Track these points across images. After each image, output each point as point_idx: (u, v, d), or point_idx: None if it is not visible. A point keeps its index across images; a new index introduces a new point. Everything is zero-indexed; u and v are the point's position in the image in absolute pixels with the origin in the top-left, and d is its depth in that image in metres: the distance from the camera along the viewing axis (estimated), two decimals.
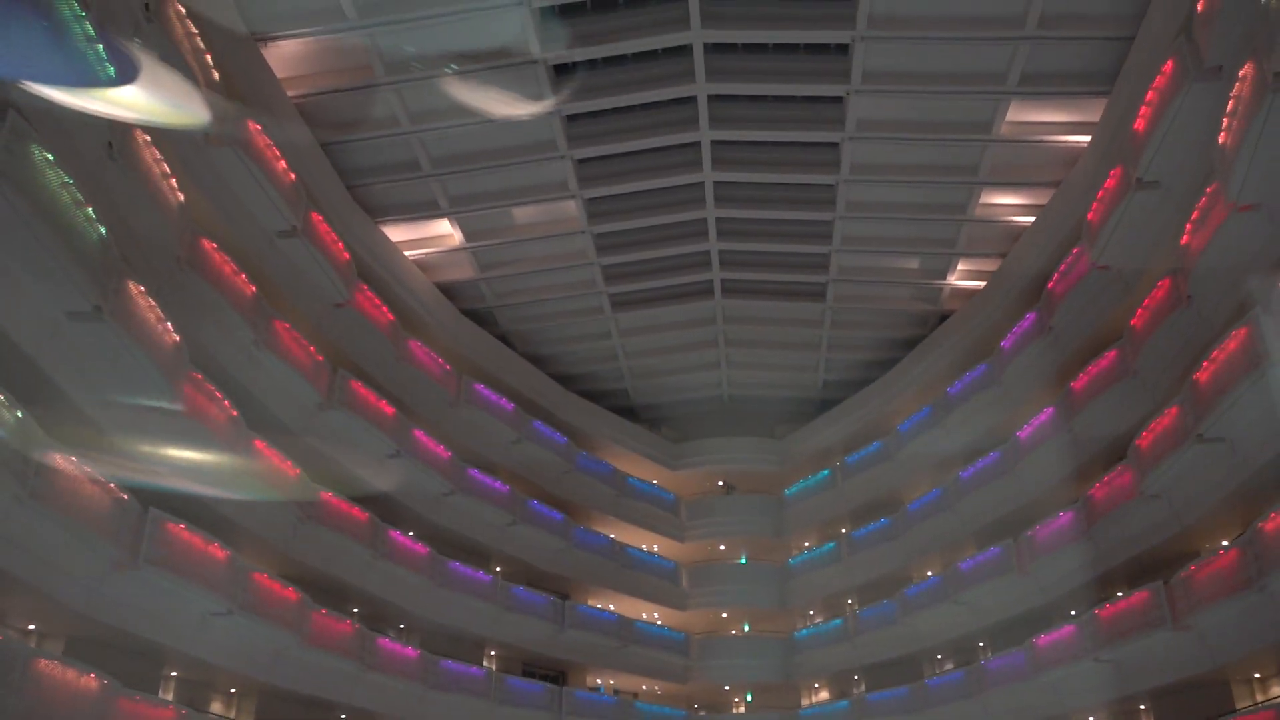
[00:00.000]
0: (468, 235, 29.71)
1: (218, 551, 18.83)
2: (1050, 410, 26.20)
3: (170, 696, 19.57)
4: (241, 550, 20.80)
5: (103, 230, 14.81)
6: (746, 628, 39.83)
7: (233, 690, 22.90)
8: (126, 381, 16.37)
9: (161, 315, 16.93)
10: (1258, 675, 20.60)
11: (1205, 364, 18.55)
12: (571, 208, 29.03)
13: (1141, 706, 24.09)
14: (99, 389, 16.21)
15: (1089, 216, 23.06)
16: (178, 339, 17.56)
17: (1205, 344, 19.19)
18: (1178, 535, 21.60)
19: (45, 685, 13.71)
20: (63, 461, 14.51)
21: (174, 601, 18.22)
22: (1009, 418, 28.88)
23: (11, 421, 13.21)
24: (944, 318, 33.40)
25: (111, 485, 15.72)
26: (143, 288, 16.32)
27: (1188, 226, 19.16)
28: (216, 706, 22.43)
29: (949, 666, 31.57)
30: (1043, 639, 25.20)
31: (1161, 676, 21.86)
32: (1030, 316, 27.34)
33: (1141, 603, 21.39)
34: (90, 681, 14.87)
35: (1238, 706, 20.73)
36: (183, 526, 17.69)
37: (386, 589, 26.68)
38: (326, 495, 24.08)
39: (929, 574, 31.95)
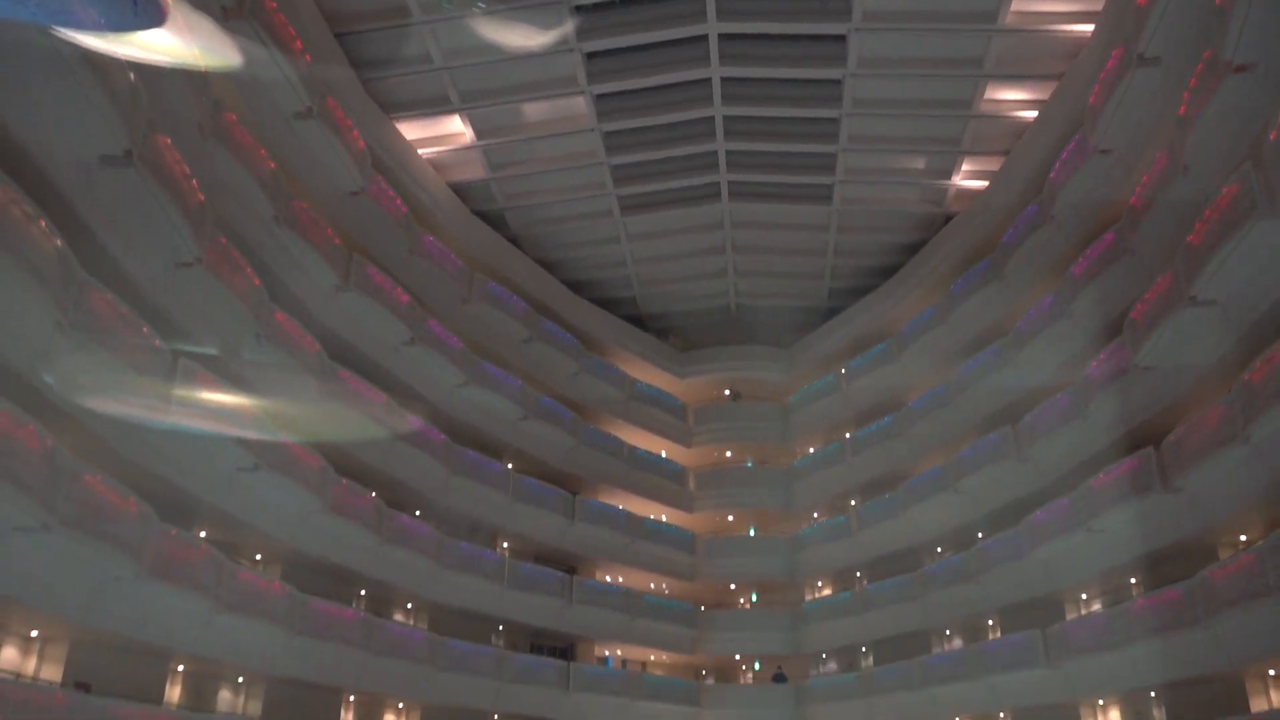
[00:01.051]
0: (478, 133, 30.14)
1: (246, 406, 19.61)
2: (1050, 297, 26.76)
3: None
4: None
5: (131, 76, 15.36)
6: (752, 531, 40.83)
7: (258, 556, 23.87)
8: (153, 231, 17.00)
9: (189, 172, 17.54)
10: (1244, 537, 21.35)
11: (1198, 225, 19.04)
12: (581, 104, 29.39)
13: (1133, 580, 24.93)
14: (128, 236, 16.84)
15: (1090, 100, 23.45)
16: (203, 198, 18.19)
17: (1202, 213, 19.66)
18: (1171, 407, 22.21)
19: (90, 500, 14.53)
20: (99, 298, 15.19)
21: (204, 451, 19.02)
22: (1011, 310, 29.49)
23: (51, 250, 13.88)
24: (949, 219, 33.85)
25: (145, 329, 16.42)
26: (169, 140, 16.89)
27: (1185, 96, 19.56)
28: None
29: (948, 556, 32.40)
30: (1037, 515, 25.97)
31: (1151, 542, 22.66)
32: (1032, 207, 27.79)
33: (1132, 469, 22.13)
34: (130, 506, 15.72)
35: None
36: (210, 377, 18.42)
37: (403, 472, 27.52)
38: (344, 374, 24.76)
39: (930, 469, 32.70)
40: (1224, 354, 20.10)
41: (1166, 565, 22.75)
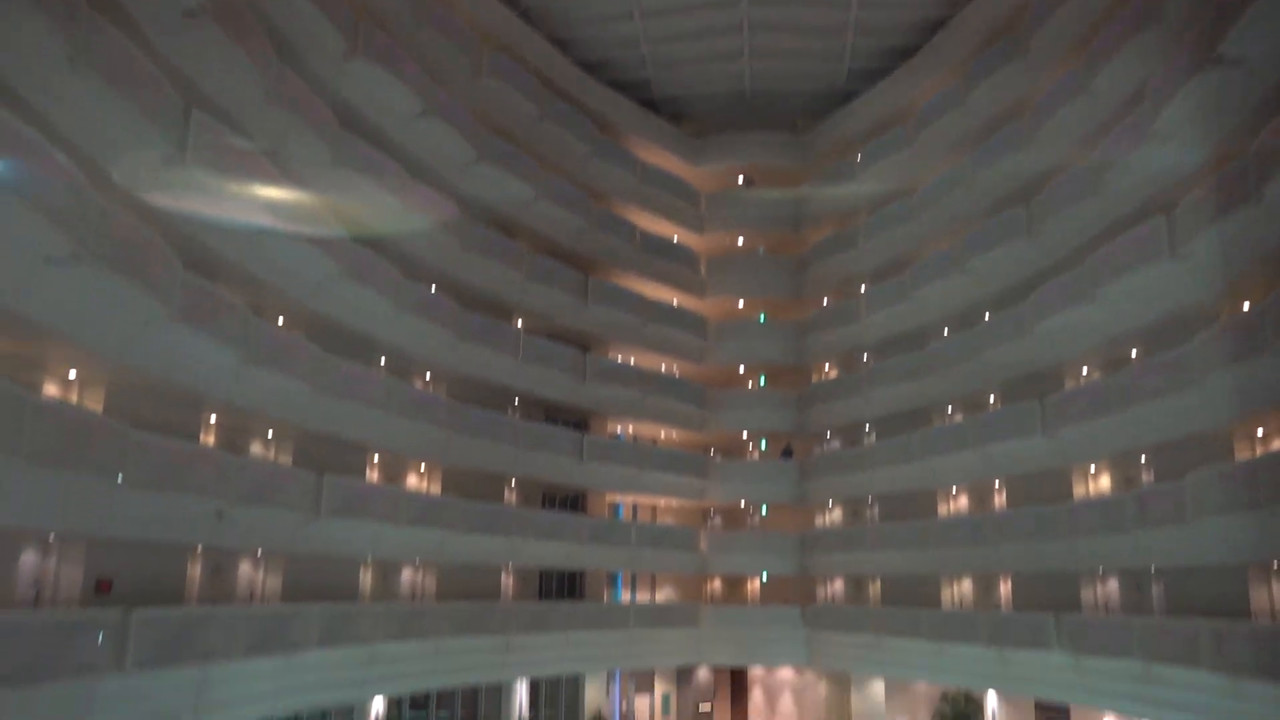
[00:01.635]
0: None
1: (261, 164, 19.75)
2: (1070, 71, 26.15)
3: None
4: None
5: None
6: (762, 318, 41.53)
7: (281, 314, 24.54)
8: None
9: None
10: (1246, 304, 21.70)
11: None
12: None
13: (1133, 352, 25.49)
14: None
15: None
16: None
17: None
18: (1188, 176, 22.07)
19: (118, 237, 14.90)
20: (110, 37, 15.09)
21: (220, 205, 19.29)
22: (1031, 90, 28.89)
23: None
24: None
25: (156, 74, 16.36)
26: None
27: None
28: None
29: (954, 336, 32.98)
30: (1044, 288, 26.31)
31: (1154, 310, 23.08)
32: None
33: (1141, 236, 22.27)
34: (156, 250, 16.16)
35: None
36: (223, 129, 18.48)
37: (416, 245, 27.88)
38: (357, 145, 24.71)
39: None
40: (1245, 118, 19.83)
41: (1168, 333, 23.18)
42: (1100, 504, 25.12)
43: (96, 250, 14.31)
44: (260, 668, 20.46)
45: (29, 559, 17.14)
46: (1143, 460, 25.35)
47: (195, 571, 21.53)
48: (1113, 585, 26.65)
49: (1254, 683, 18.46)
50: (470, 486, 30.21)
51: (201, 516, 19.17)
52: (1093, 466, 27.24)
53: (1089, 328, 25.37)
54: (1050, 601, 27.33)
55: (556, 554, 32.81)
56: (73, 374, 17.52)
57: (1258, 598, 21.18)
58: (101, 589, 18.26)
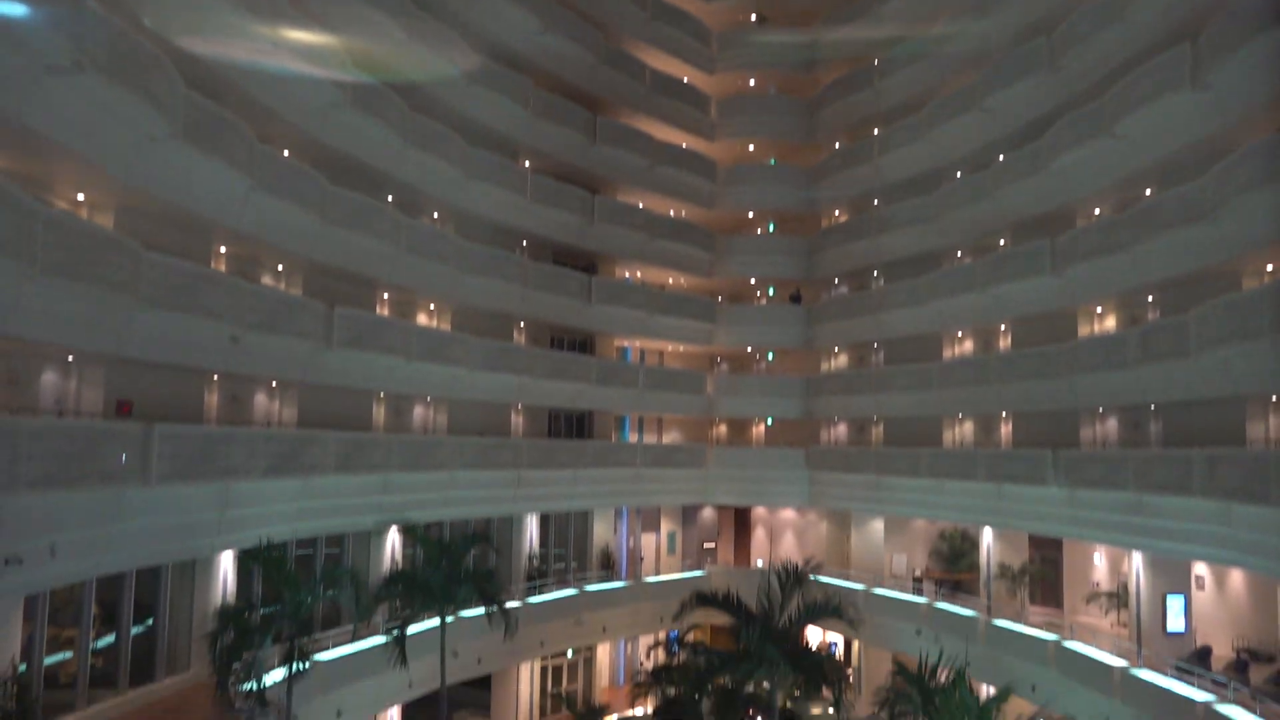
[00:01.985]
0: None
1: None
2: None
3: None
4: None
5: None
6: (773, 161, 40.95)
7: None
8: None
9: None
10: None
11: None
12: None
13: (1147, 190, 25.19)
14: None
15: None
16: None
17: None
18: (1214, 3, 21.33)
19: (118, 47, 14.63)
20: None
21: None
22: None
23: None
24: None
25: None
26: None
27: None
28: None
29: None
30: (1060, 124, 25.82)
31: (1172, 145, 22.70)
32: None
33: (1162, 66, 21.71)
34: (159, 64, 15.88)
35: None
36: None
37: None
38: None
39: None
40: None
41: (1184, 169, 22.85)
42: (1104, 341, 25.31)
43: (97, 61, 14.07)
44: (280, 488, 21.14)
45: (50, 379, 17.54)
46: (1149, 300, 25.41)
47: (213, 400, 22.01)
48: (1111, 424, 27.11)
49: (1244, 505, 18.98)
50: (479, 327, 30.46)
51: (216, 341, 19.45)
52: (1099, 308, 27.33)
53: (1105, 164, 25.01)
54: (1049, 441, 27.87)
55: (565, 394, 33.35)
56: (80, 196, 17.50)
57: (1253, 429, 21.57)
58: (122, 411, 18.72)
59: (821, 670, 11.72)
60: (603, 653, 35.65)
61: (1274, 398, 21.09)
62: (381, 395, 27.70)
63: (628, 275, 38.62)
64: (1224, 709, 19.40)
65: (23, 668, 16.25)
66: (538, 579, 32.17)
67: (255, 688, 15.96)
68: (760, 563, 39.52)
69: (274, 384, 23.82)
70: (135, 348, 17.35)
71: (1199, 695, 20.35)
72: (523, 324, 33.26)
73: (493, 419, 31.95)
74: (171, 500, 17.83)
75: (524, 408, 33.34)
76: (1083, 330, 27.74)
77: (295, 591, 15.12)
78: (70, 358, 17.71)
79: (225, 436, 19.31)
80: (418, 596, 15.06)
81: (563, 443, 33.44)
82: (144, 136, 16.43)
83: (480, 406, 31.08)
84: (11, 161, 15.35)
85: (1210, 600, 25.46)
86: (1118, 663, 23.28)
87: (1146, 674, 22.35)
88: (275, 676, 17.88)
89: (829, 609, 12.50)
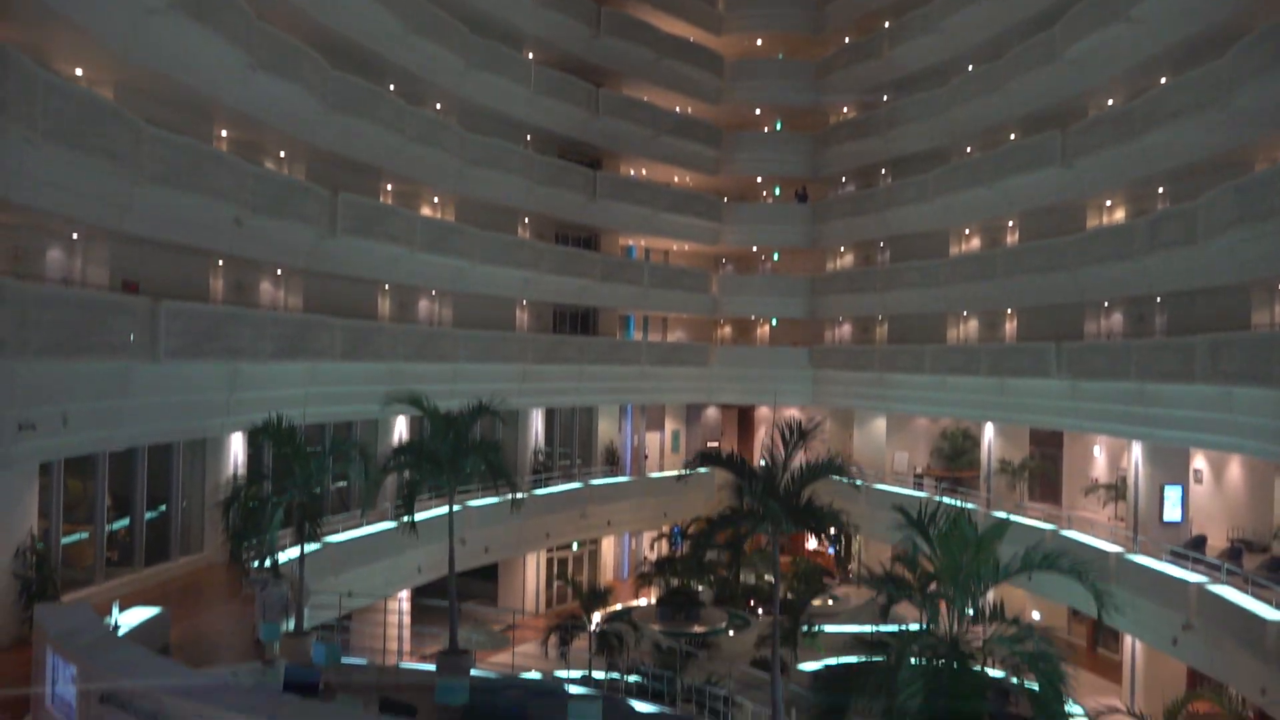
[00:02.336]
0: None
1: None
2: None
3: None
4: None
5: None
6: (780, 55, 40.22)
7: None
8: None
9: None
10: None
11: None
12: None
13: (1162, 79, 24.71)
14: None
15: None
16: None
17: None
18: None
19: None
20: None
21: None
22: None
23: None
24: None
25: None
26: None
27: None
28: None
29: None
30: (1076, 9, 25.24)
31: (1187, 29, 22.23)
32: None
33: None
34: None
35: None
36: None
37: None
38: None
39: None
40: None
41: (1197, 55, 22.38)
42: (1112, 231, 25.17)
43: None
44: (287, 372, 21.32)
45: (55, 256, 17.56)
46: (1159, 192, 25.17)
47: (218, 285, 22.06)
48: (1115, 319, 27.12)
49: (1245, 389, 19.07)
50: (483, 221, 30.26)
51: (220, 222, 19.37)
52: (1108, 201, 27.10)
53: (1118, 51, 24.52)
54: (1053, 336, 27.90)
55: (570, 290, 33.34)
56: (79, 71, 17.27)
57: (1257, 317, 21.58)
58: (129, 290, 18.76)
59: (823, 523, 11.87)
60: (607, 547, 36.33)
61: (1279, 284, 21.05)
62: (386, 288, 27.72)
63: (632, 173, 38.21)
64: (1217, 589, 19.79)
65: (40, 546, 16.63)
66: (543, 473, 32.61)
67: (268, 563, 16.32)
68: (763, 461, 39.93)
69: (279, 272, 23.83)
70: (137, 224, 17.27)
71: (1192, 577, 20.74)
72: (527, 220, 33.08)
73: (498, 315, 32.00)
74: (180, 378, 18.00)
75: (529, 305, 33.38)
76: (1091, 222, 27.54)
77: (305, 464, 15.36)
78: (75, 235, 17.70)
79: (232, 316, 19.40)
80: (425, 467, 15.28)
81: (568, 338, 33.57)
82: (142, 10, 16.15)
83: (485, 302, 31.09)
84: (10, 32, 15.12)
85: (1207, 494, 25.76)
86: (1113, 549, 23.67)
87: (1142, 559, 22.75)
88: (287, 556, 18.28)
89: (832, 466, 12.65)
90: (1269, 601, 18.26)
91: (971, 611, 8.70)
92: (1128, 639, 25.23)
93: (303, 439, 15.84)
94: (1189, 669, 21.96)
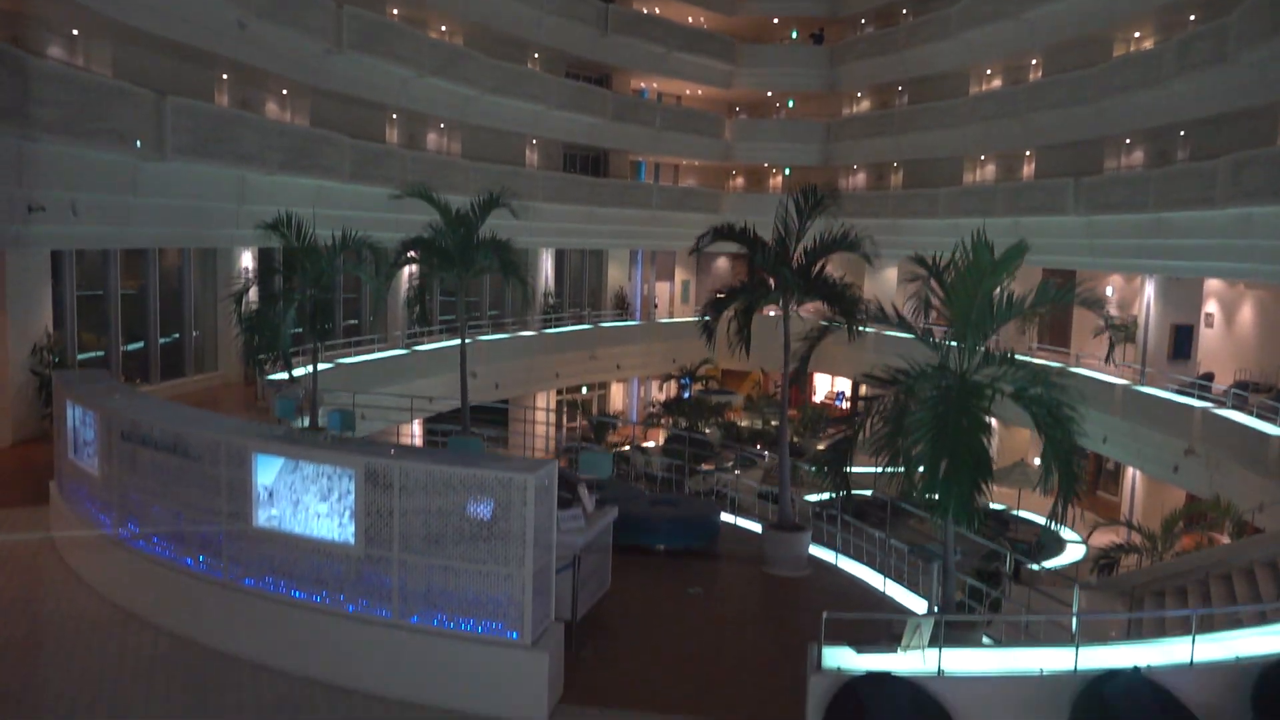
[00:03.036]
0: None
1: None
2: None
3: None
4: None
5: None
6: None
7: None
8: None
9: None
10: None
11: None
12: None
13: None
14: None
15: None
16: None
17: None
18: None
19: None
20: None
21: None
22: None
23: None
24: None
25: None
26: None
27: None
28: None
29: None
30: None
31: None
32: None
33: None
34: None
35: None
36: None
37: None
38: None
39: None
40: None
41: None
42: (1139, 58, 24.46)
43: None
44: (295, 187, 21.10)
45: (56, 53, 17.17)
46: (1190, 19, 24.34)
47: (223, 99, 21.63)
48: (1136, 155, 26.59)
49: (1265, 207, 18.78)
50: (493, 53, 29.42)
51: (224, 25, 18.90)
52: (1136, 33, 26.24)
53: None
54: (1072, 173, 27.41)
55: (581, 128, 32.75)
56: None
57: None
58: None
59: (838, 296, 11.80)
60: (616, 392, 36.68)
61: None
62: (394, 116, 27.21)
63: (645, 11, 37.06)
64: (1222, 413, 19.93)
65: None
66: (552, 314, 32.66)
67: (283, 373, 16.45)
68: (772, 311, 39.88)
69: (284, 92, 23.37)
70: (139, 15, 16.82)
71: (1198, 404, 20.89)
72: (537, 56, 32.21)
73: (507, 152, 31.49)
74: (189, 180, 17.86)
75: (539, 145, 32.82)
76: (1118, 51, 26.75)
77: (316, 259, 15.31)
78: (76, 31, 17.28)
79: (237, 118, 19.16)
80: (436, 260, 15.20)
81: (578, 177, 33.16)
82: None
83: (495, 138, 30.54)
84: None
85: (1218, 336, 25.74)
86: (1120, 382, 23.77)
87: (1148, 389, 22.88)
88: (302, 370, 18.41)
89: (845, 241, 12.50)
90: (1272, 422, 18.39)
91: (981, 350, 8.72)
92: (1126, 480, 25.62)
93: (313, 235, 15.74)
94: (1186, 498, 22.29)
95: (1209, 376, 23.85)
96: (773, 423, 32.15)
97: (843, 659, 7.62)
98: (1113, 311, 28.91)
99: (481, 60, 27.63)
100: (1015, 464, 26.08)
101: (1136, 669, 7.67)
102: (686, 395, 34.17)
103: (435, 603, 8.07)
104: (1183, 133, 24.48)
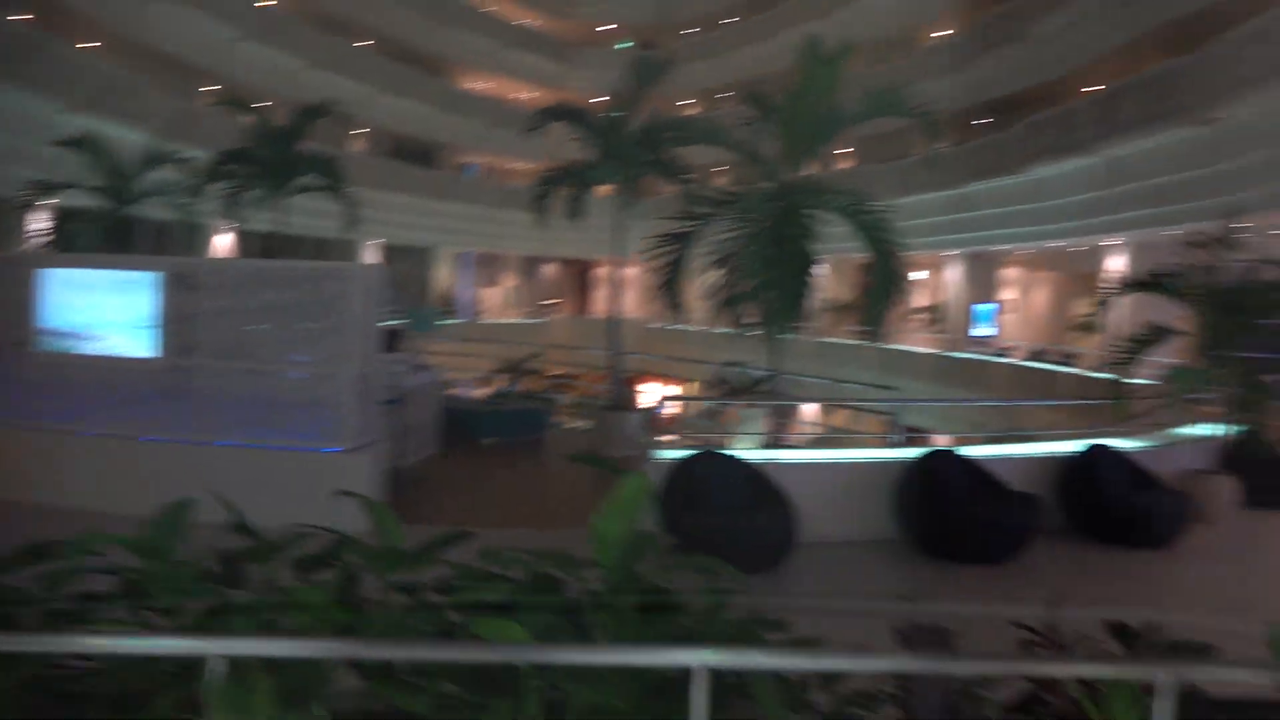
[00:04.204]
0: None
1: None
2: None
3: None
4: None
5: None
6: None
7: None
8: None
9: None
10: None
11: None
12: None
13: None
14: None
15: None
16: None
17: None
18: None
19: None
20: None
21: None
22: None
23: None
24: None
25: None
26: None
27: None
28: None
29: None
30: None
31: None
32: None
33: None
34: None
35: None
36: None
37: None
38: None
39: None
40: None
41: None
42: (945, 45, 26.22)
43: None
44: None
45: None
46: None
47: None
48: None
49: (1055, 165, 20.40)
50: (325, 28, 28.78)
51: None
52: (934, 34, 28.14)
53: None
54: (883, 159, 28.89)
55: (412, 117, 32.31)
56: None
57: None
58: None
59: (675, 170, 11.86)
60: None
61: None
62: (216, 84, 26.07)
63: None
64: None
65: None
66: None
67: None
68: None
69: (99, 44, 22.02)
70: None
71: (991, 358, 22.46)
72: (371, 42, 31.63)
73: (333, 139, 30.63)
74: None
75: (370, 133, 32.12)
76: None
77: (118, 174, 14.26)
78: None
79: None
80: (251, 175, 14.39)
81: (408, 167, 32.56)
82: None
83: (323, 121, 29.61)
84: None
85: (1014, 319, 27.81)
86: (928, 351, 25.17)
87: (957, 354, 24.34)
88: None
89: (695, 124, 12.58)
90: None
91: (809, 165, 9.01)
92: None
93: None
94: None
95: (1007, 349, 25.64)
96: None
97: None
98: (920, 299, 30.65)
99: (308, 32, 26.92)
100: None
101: (955, 451, 8.04)
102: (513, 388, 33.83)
103: (254, 416, 7.58)
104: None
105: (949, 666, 2.80)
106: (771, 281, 8.07)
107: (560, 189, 12.34)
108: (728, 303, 8.66)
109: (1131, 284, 9.96)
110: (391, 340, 9.16)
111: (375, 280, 7.68)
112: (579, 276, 42.54)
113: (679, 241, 9.09)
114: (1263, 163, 15.10)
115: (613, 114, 11.86)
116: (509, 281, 40.83)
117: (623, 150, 11.50)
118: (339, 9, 29.11)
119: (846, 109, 9.24)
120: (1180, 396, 9.28)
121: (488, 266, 39.56)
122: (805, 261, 8.46)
